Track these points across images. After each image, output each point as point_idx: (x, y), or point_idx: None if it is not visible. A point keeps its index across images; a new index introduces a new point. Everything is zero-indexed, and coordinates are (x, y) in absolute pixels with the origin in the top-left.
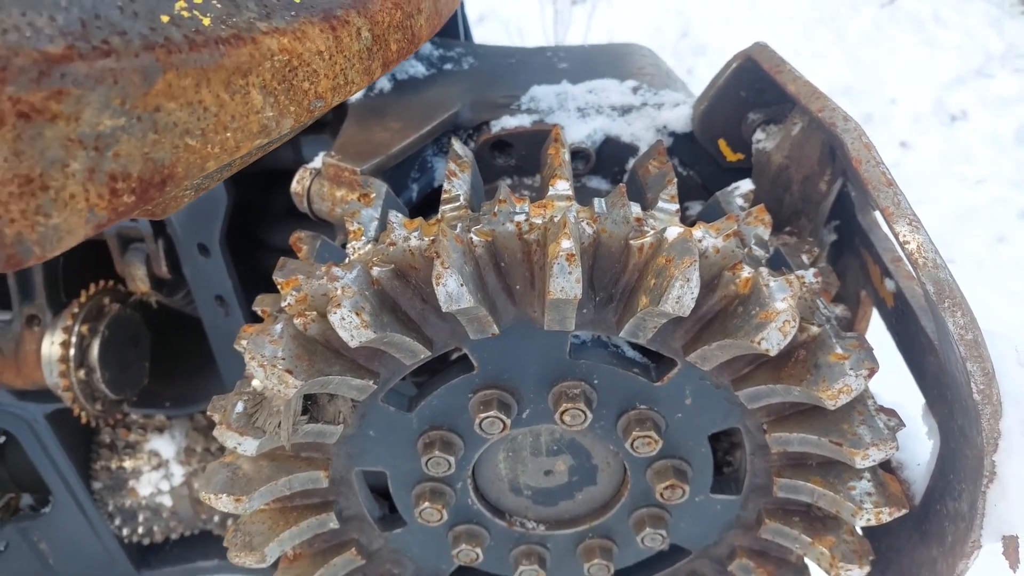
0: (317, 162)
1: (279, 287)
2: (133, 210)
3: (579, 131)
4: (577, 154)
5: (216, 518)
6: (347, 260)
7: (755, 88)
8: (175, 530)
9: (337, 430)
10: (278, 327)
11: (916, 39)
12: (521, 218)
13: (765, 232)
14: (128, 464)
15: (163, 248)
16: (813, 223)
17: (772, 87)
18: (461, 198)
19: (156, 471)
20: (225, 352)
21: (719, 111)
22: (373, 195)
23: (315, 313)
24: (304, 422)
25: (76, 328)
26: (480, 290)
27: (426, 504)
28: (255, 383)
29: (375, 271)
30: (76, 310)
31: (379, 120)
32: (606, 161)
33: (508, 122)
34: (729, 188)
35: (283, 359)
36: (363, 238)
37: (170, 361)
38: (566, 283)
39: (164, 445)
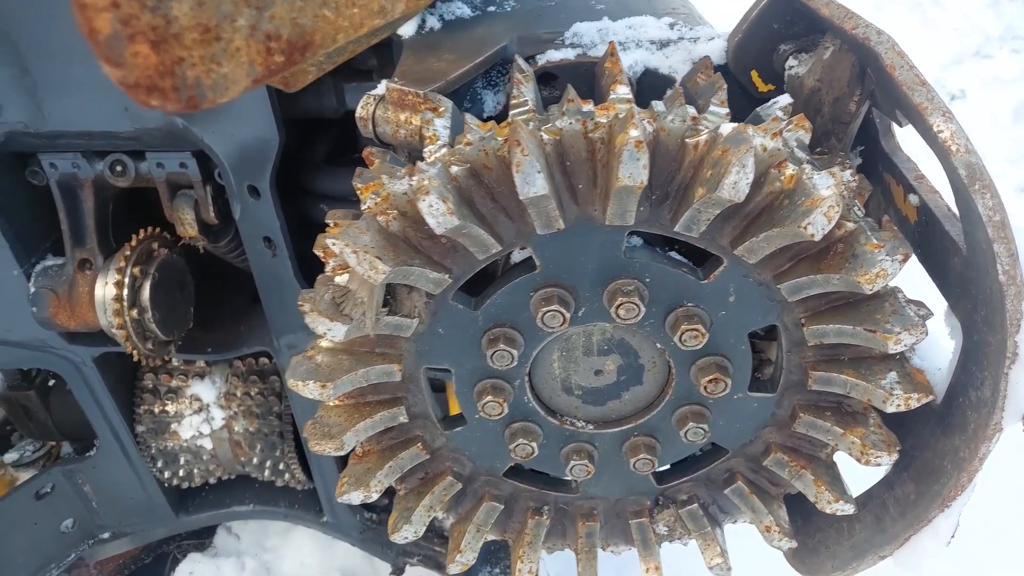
0: (379, 89)
1: (359, 192)
2: (281, 70)
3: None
4: None
5: (255, 460)
6: (418, 163)
7: (786, 20)
8: (213, 473)
9: (412, 323)
10: (366, 222)
11: (914, 20)
12: (587, 118)
13: (806, 136)
14: (170, 408)
15: (211, 194)
16: (842, 143)
17: (803, 18)
18: (529, 103)
19: (197, 415)
20: (271, 292)
21: (752, 43)
22: (443, 108)
23: (396, 211)
24: (384, 313)
25: (129, 270)
26: (551, 182)
27: (489, 398)
28: (338, 279)
29: (453, 169)
30: (128, 253)
31: (433, 53)
32: (646, 91)
33: (553, 55)
34: (767, 103)
35: (372, 247)
36: (438, 142)
37: (210, 309)
38: (634, 169)
39: (205, 390)
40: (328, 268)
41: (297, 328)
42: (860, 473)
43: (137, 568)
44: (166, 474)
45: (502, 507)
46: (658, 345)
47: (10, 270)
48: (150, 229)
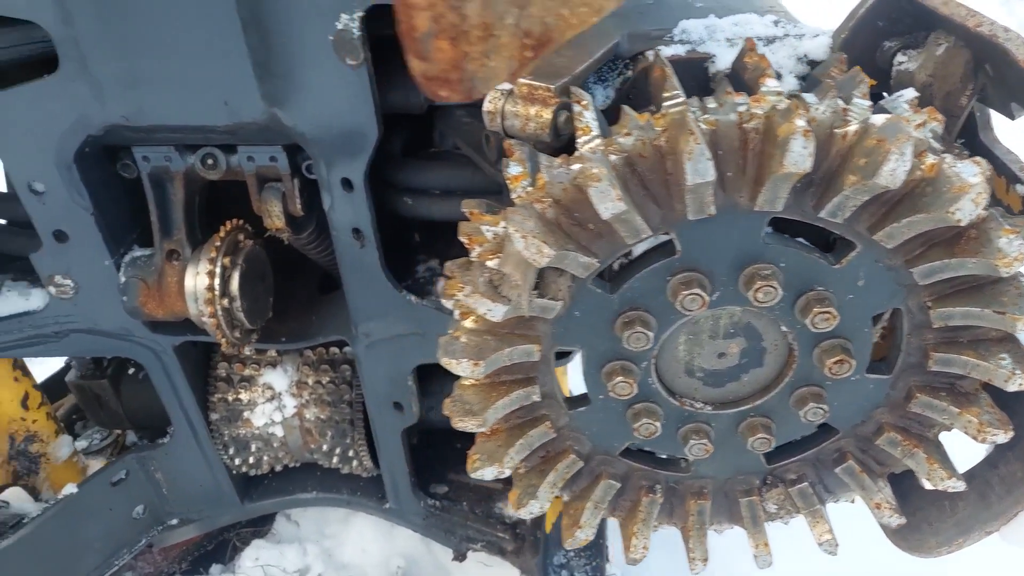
0: (506, 84)
1: (508, 181)
2: (524, 66)
3: (729, 59)
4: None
5: (325, 447)
6: (580, 152)
7: (892, 17)
8: (281, 461)
9: (557, 306)
10: (525, 209)
11: None
12: (743, 109)
13: (939, 128)
14: (244, 396)
15: (298, 187)
16: (951, 136)
17: (908, 16)
18: (682, 95)
19: (270, 403)
20: (355, 282)
21: (857, 40)
22: (586, 101)
23: (551, 199)
24: (535, 296)
25: (220, 260)
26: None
27: (619, 379)
28: (490, 263)
29: (612, 158)
30: (218, 243)
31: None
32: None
33: (664, 52)
34: (892, 96)
35: (538, 232)
36: (592, 133)
37: (282, 300)
38: (800, 157)
39: (277, 378)
40: (475, 253)
41: (378, 317)
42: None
43: (199, 555)
44: (236, 461)
45: (619, 485)
46: (783, 328)
47: (101, 260)
48: (235, 221)
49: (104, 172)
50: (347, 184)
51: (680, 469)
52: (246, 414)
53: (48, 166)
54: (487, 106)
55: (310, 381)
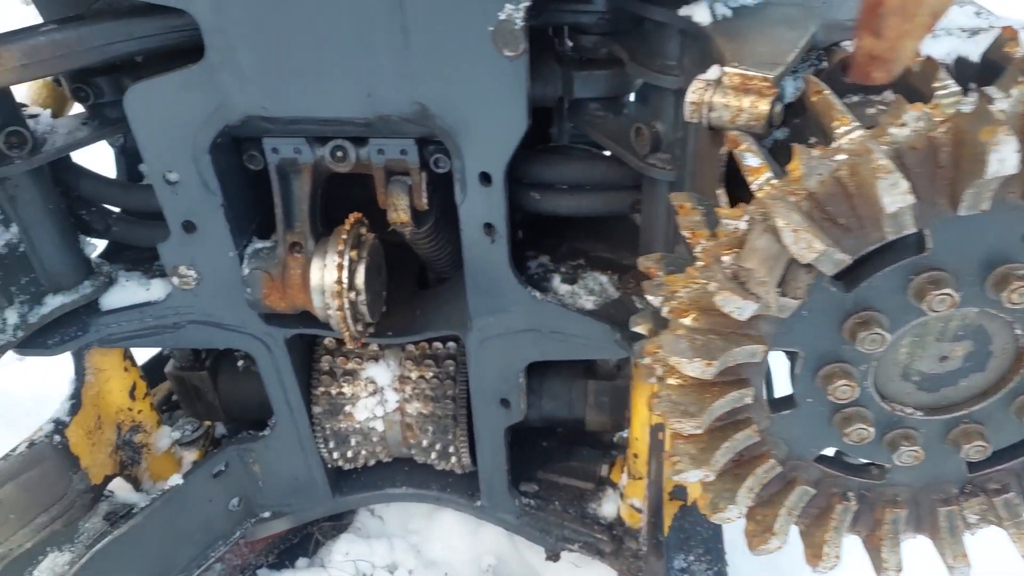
0: (710, 74)
1: (746, 173)
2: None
3: (933, 51)
4: None
5: (424, 442)
6: (838, 143)
7: None
8: (377, 455)
9: (795, 304)
10: (783, 202)
11: None
12: None
13: None
14: (347, 390)
15: (426, 180)
16: None
17: None
18: (954, 87)
19: (372, 397)
20: (479, 277)
21: None
22: (826, 90)
23: (804, 192)
24: (778, 294)
25: (347, 253)
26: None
27: (842, 382)
28: (726, 258)
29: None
30: (344, 236)
31: (749, 39)
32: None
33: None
34: None
35: (806, 226)
36: (850, 124)
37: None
38: None
39: (379, 372)
40: (699, 248)
41: (498, 312)
42: None
43: (285, 548)
44: (335, 455)
45: (814, 491)
46: (1017, 331)
47: (226, 252)
48: (356, 214)
49: (232, 163)
50: (485, 178)
51: (871, 476)
52: (348, 408)
53: (184, 156)
54: (691, 97)
55: (413, 376)
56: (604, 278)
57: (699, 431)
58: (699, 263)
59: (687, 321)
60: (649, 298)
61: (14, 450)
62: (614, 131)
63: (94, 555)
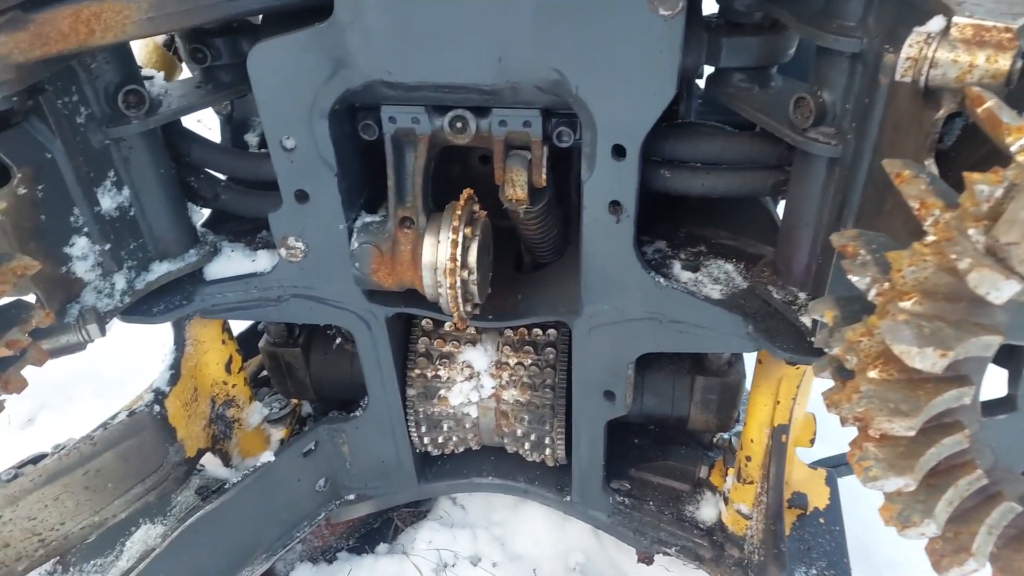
0: (933, 25)
1: (1002, 133)
2: None
3: None
4: None
5: (519, 432)
6: None
7: None
8: (468, 443)
9: None
10: None
11: None
12: None
13: None
14: (443, 373)
15: (547, 155)
16: None
17: None
18: None
19: (468, 382)
20: (599, 259)
21: None
22: None
23: None
24: None
25: (462, 230)
26: None
27: None
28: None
29: None
30: (459, 212)
31: None
32: None
33: None
34: None
35: None
36: None
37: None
38: None
39: (477, 357)
40: (929, 221)
41: (614, 298)
42: None
43: (365, 532)
44: (425, 439)
45: (1021, 509)
46: None
47: (336, 224)
48: (469, 190)
49: (347, 133)
50: (618, 152)
51: None
52: (443, 392)
53: (302, 121)
54: (908, 52)
55: (511, 362)
56: (730, 266)
57: (911, 432)
58: (932, 238)
59: (908, 305)
60: (854, 279)
61: (114, 418)
62: (763, 104)
63: (185, 529)
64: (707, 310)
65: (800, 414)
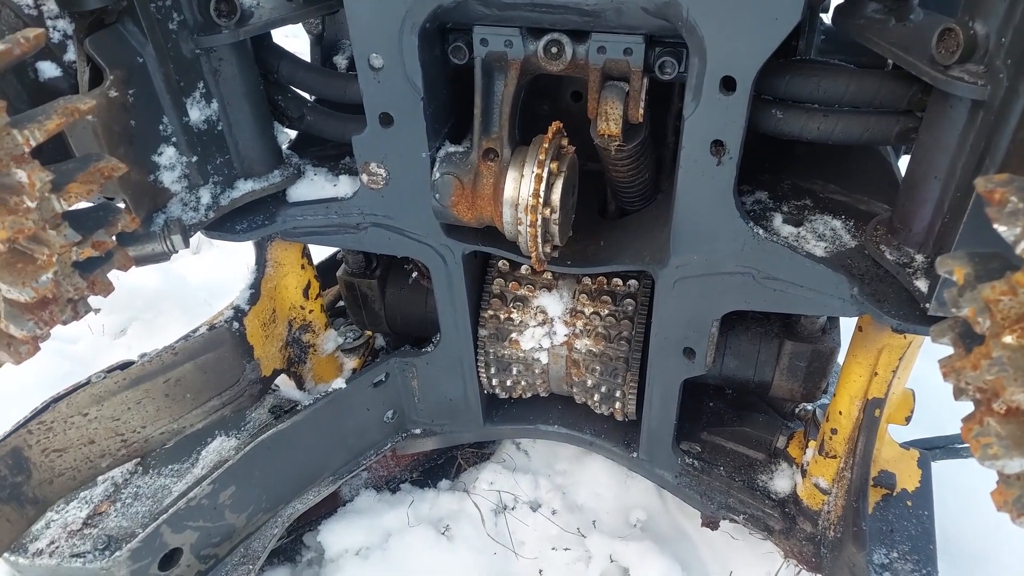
0: None
1: None
2: None
3: None
4: None
5: (589, 382)
6: None
7: None
8: (536, 388)
9: None
10: None
11: None
12: None
13: None
14: (516, 316)
15: (646, 87)
16: None
17: None
18: None
19: (540, 327)
20: (694, 205)
21: None
22: None
23: None
24: None
25: (548, 165)
26: None
27: None
28: None
29: None
30: (546, 146)
31: None
32: None
33: None
34: None
35: None
36: None
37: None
38: None
39: (552, 303)
40: None
41: (706, 248)
42: None
43: (429, 467)
44: (493, 381)
45: None
46: None
47: (419, 152)
48: (558, 123)
49: (436, 55)
50: (727, 85)
51: None
52: (515, 335)
53: (392, 37)
54: None
55: (587, 311)
56: (837, 223)
57: None
58: None
59: None
60: (1002, 230)
61: (195, 331)
62: (900, 37)
63: (257, 445)
64: (808, 268)
65: (898, 389)
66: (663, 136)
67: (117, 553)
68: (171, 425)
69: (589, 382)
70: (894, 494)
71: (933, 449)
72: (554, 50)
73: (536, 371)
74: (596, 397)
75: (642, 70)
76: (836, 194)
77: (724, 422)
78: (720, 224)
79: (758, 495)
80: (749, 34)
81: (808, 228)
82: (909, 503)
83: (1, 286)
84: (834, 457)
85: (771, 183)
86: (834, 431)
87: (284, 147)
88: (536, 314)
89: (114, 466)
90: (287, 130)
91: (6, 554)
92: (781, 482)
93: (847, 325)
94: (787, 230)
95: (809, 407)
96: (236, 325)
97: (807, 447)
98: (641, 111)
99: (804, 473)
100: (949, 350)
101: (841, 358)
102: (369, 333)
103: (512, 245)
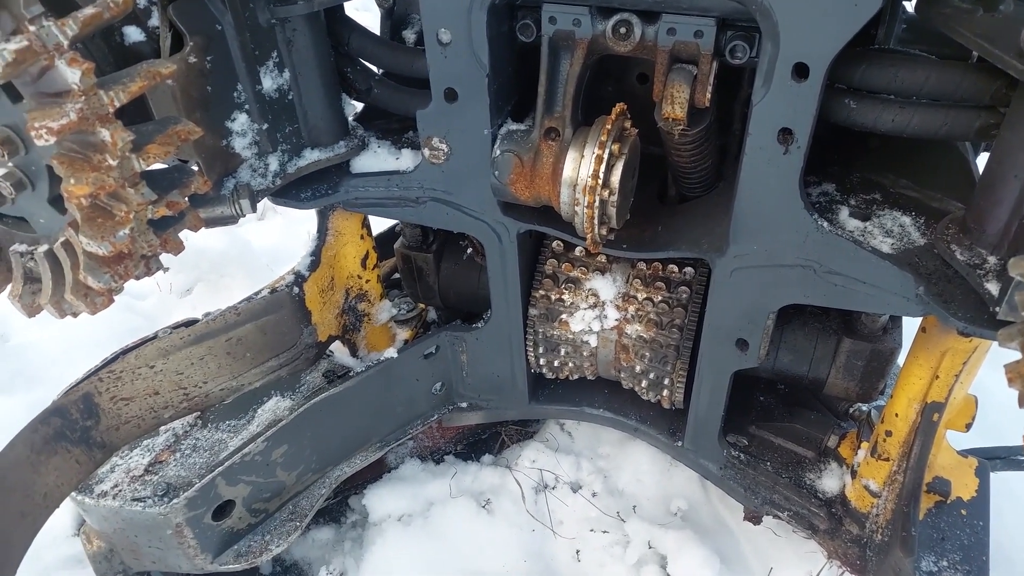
0: None
1: None
2: None
3: None
4: None
5: (637, 368)
6: None
7: None
8: (583, 371)
9: None
10: None
11: None
12: None
13: None
14: (567, 298)
15: (715, 71)
16: None
17: None
18: None
19: (591, 310)
20: (757, 194)
21: None
22: None
23: None
24: None
25: (609, 146)
26: None
27: None
28: None
29: None
30: (609, 127)
31: None
32: None
33: None
34: None
35: None
36: None
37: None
38: None
39: (604, 286)
40: None
41: (766, 238)
42: None
43: (473, 441)
44: (541, 360)
45: None
46: None
47: (481, 129)
48: (622, 105)
49: (503, 32)
50: (799, 72)
51: None
52: (565, 316)
53: (461, 13)
54: None
55: (639, 296)
56: (907, 219)
57: None
58: None
59: None
60: None
61: (257, 294)
62: (987, 29)
63: (310, 407)
64: (873, 264)
65: (960, 394)
66: (729, 123)
67: (175, 500)
68: (230, 382)
69: (638, 368)
70: (948, 502)
71: (993, 459)
72: (623, 30)
73: (584, 354)
74: (644, 383)
75: (712, 53)
76: (908, 189)
77: (774, 417)
78: (783, 214)
79: (804, 493)
80: (826, 20)
81: (876, 223)
82: (963, 512)
83: (82, 239)
84: (887, 460)
85: (840, 175)
86: (889, 433)
87: (350, 119)
88: (588, 296)
89: (176, 418)
90: (354, 102)
91: (74, 493)
92: (829, 482)
93: (910, 325)
94: (853, 224)
95: (864, 407)
96: (296, 290)
97: (859, 448)
98: (708, 95)
99: (854, 474)
100: (1017, 355)
101: (901, 359)
102: (422, 306)
103: (568, 226)
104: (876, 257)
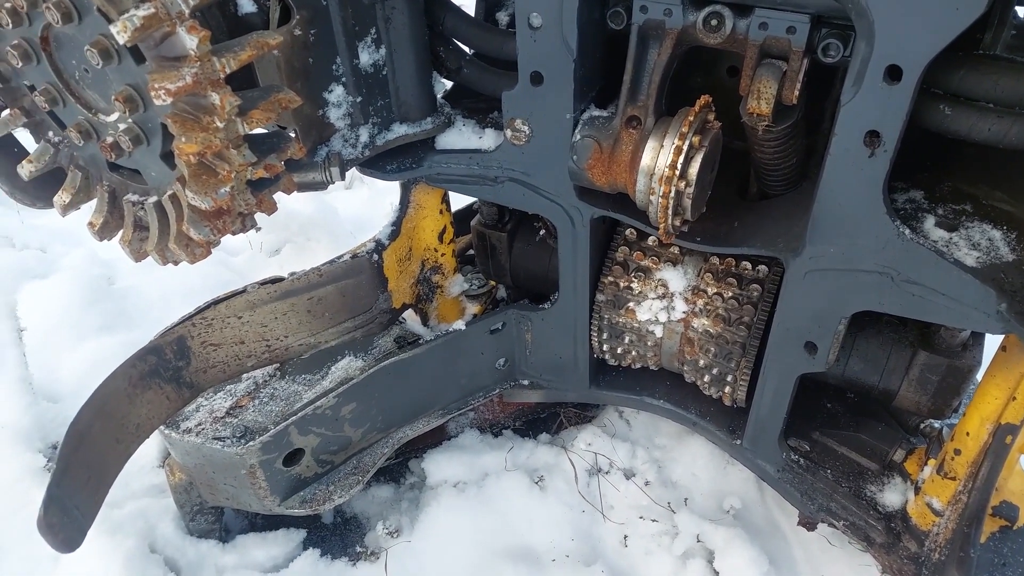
0: None
1: None
2: None
3: None
4: None
5: (701, 362)
6: None
7: None
8: (646, 360)
9: None
10: None
11: None
12: None
13: None
14: (635, 286)
15: (806, 68)
16: None
17: None
18: None
19: (659, 300)
20: (839, 196)
21: None
22: None
23: None
24: None
25: (690, 137)
26: None
27: None
28: None
29: None
30: (691, 119)
31: None
32: None
33: None
34: None
35: None
36: None
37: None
38: None
39: (674, 278)
40: None
41: (845, 241)
42: None
43: (532, 419)
44: (604, 347)
45: None
46: None
47: (563, 113)
48: (706, 97)
49: (594, 19)
50: (892, 74)
51: None
52: (632, 304)
53: None
54: None
55: (709, 291)
56: (996, 233)
57: None
58: None
59: None
60: None
61: (340, 258)
62: None
63: (380, 369)
64: (954, 276)
65: None
66: (818, 121)
67: (251, 443)
68: (309, 339)
69: (701, 362)
70: (1014, 527)
71: None
72: (714, 22)
73: (649, 343)
74: (707, 378)
75: (803, 50)
76: (1001, 202)
77: (839, 425)
78: (864, 218)
79: (864, 505)
80: (925, 23)
81: (962, 235)
82: None
83: (187, 193)
84: (953, 479)
85: (929, 183)
86: (957, 452)
87: (439, 96)
88: (657, 287)
89: (257, 367)
90: (444, 80)
91: (162, 427)
92: (891, 496)
93: (992, 342)
94: (938, 234)
95: (936, 424)
96: (375, 257)
97: (926, 464)
98: (796, 93)
99: (918, 491)
100: None
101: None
102: (493, 283)
103: (642, 215)
104: (958, 269)
